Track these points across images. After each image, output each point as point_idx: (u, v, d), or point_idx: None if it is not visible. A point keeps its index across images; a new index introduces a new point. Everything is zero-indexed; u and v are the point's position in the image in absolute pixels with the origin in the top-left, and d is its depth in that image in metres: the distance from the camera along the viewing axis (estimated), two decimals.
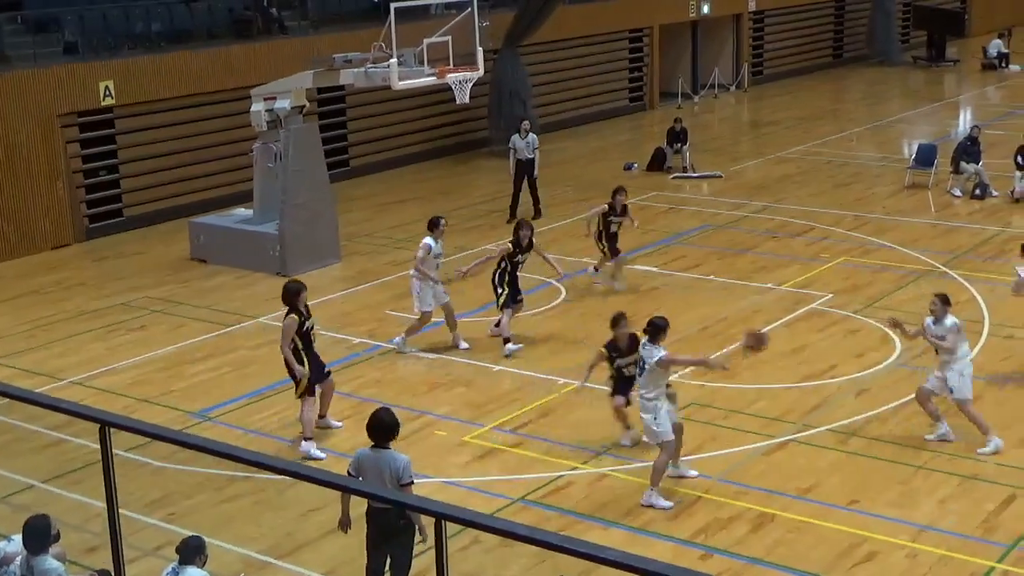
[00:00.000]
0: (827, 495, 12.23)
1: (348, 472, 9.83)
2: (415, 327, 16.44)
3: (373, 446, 9.80)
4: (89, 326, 18.17)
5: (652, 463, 12.25)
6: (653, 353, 12.02)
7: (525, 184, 23.62)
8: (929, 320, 13.07)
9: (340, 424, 14.19)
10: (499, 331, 16.53)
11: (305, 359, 13.34)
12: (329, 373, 13.91)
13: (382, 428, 9.78)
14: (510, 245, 16.50)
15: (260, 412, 14.75)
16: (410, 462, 9.77)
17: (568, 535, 5.08)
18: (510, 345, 16.31)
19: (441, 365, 16.12)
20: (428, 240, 16.08)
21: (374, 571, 9.98)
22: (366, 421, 9.97)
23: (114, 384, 15.85)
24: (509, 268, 16.47)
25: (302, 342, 13.32)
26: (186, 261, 21.49)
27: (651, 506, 12.01)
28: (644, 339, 12.25)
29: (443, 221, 16.37)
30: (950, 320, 12.98)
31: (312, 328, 13.59)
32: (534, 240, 16.82)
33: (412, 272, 16.28)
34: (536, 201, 23.77)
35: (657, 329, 12.15)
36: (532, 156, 23.59)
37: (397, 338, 16.59)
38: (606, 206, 18.63)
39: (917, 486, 12.38)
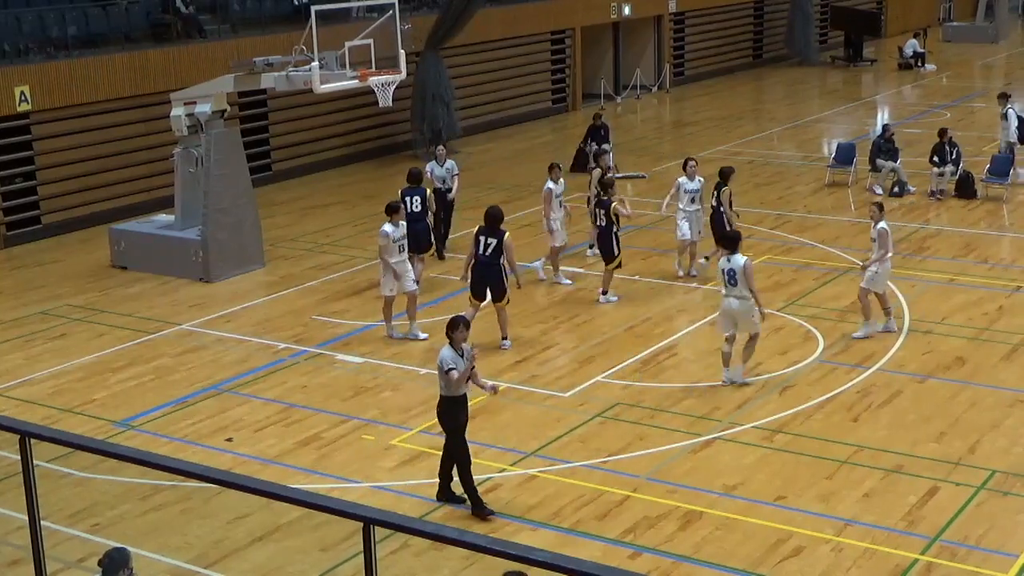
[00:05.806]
0: (753, 491, 12.34)
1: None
2: (385, 312, 17.05)
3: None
4: (7, 336, 17.85)
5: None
6: None
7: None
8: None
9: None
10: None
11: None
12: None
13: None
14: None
15: (184, 420, 14.58)
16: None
17: (497, 537, 5.07)
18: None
19: (367, 369, 16.06)
20: (386, 226, 16.58)
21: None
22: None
23: (34, 394, 15.60)
24: None
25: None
26: (106, 268, 21.19)
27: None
28: None
29: (402, 205, 17.37)
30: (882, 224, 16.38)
31: None
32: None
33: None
34: (444, 238, 20.72)
35: None
36: (451, 186, 20.80)
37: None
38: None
39: (841, 481, 12.53)
